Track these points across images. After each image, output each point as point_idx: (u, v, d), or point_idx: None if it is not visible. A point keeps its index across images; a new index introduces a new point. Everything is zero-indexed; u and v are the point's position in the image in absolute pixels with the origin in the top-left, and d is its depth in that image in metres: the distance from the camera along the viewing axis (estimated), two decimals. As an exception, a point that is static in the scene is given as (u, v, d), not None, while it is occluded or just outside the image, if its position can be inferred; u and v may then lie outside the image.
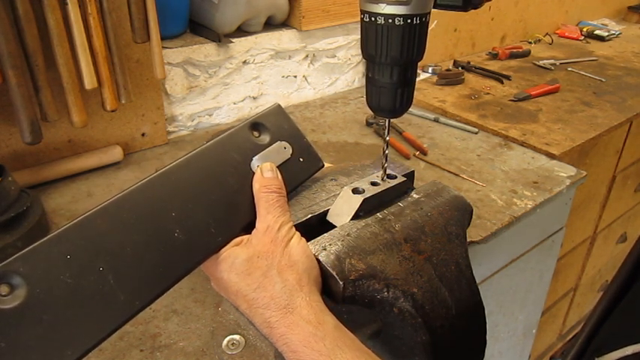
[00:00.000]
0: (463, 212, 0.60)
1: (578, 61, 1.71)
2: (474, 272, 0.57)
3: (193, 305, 0.69)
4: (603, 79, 1.54)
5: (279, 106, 0.61)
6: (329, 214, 0.57)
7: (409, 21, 0.46)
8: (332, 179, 0.63)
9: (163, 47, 1.01)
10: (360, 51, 1.39)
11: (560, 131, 1.19)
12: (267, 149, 0.56)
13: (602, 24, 2.16)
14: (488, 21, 1.73)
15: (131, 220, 0.45)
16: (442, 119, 1.24)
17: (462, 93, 1.42)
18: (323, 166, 0.63)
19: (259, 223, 0.50)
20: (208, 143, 0.53)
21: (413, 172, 0.64)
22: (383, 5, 0.46)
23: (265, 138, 0.57)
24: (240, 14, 1.13)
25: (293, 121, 0.61)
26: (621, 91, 1.47)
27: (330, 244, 0.51)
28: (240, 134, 0.56)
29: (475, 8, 0.52)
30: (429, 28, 0.50)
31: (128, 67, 0.95)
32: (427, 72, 1.54)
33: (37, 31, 0.79)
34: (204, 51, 1.11)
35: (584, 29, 2.01)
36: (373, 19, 0.47)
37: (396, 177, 0.60)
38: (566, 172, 1.03)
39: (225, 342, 0.55)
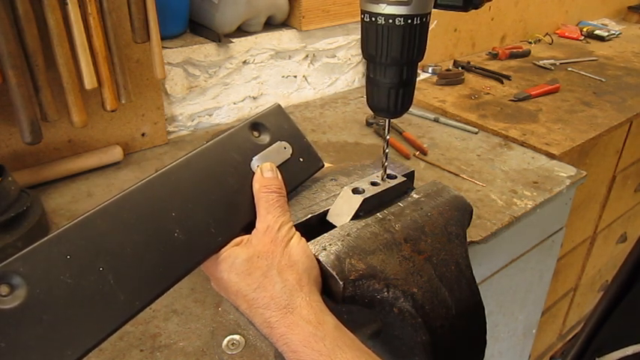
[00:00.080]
0: (463, 212, 0.60)
1: (578, 61, 1.71)
2: (474, 272, 0.57)
3: (193, 305, 0.69)
4: (603, 79, 1.54)
5: (279, 106, 0.61)
6: (329, 214, 0.57)
7: (410, 21, 0.46)
8: (332, 179, 0.63)
9: (163, 47, 1.01)
10: (360, 51, 1.40)
11: (560, 131, 1.19)
12: (267, 149, 0.56)
13: (602, 24, 2.16)
14: (488, 21, 1.73)
15: (131, 220, 0.45)
16: (442, 119, 1.24)
17: (462, 93, 1.42)
18: (323, 166, 0.63)
19: (259, 223, 0.50)
20: (208, 143, 0.53)
21: (413, 172, 0.64)
22: (383, 5, 0.46)
23: (265, 138, 0.57)
24: (240, 14, 1.13)
25: (293, 121, 0.61)
26: (621, 91, 1.47)
27: (330, 244, 0.51)
28: (240, 134, 0.56)
29: (475, 8, 0.52)
30: (429, 28, 0.50)
31: (128, 67, 0.95)
32: (427, 72, 1.54)
33: (37, 31, 0.79)
34: (204, 51, 1.11)
35: (584, 29, 2.01)
36: (374, 19, 0.47)
37: (396, 177, 0.60)
38: (566, 172, 1.03)
39: (225, 342, 0.55)
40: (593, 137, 1.19)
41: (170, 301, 0.69)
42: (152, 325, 0.65)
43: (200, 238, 0.48)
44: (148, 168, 1.02)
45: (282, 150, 0.58)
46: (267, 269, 0.47)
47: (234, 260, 0.48)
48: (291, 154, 0.58)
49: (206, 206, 0.50)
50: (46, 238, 0.42)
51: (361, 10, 0.48)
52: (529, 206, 0.91)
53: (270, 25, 1.24)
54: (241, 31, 1.19)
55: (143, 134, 1.07)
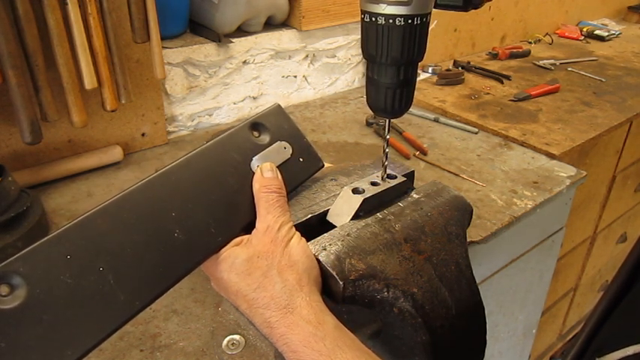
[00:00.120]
0: (463, 212, 0.60)
1: (578, 61, 1.71)
2: (474, 272, 0.57)
3: (193, 305, 0.69)
4: (603, 79, 1.54)
5: (279, 106, 0.61)
6: (329, 214, 0.57)
7: (410, 21, 0.46)
8: (332, 179, 0.63)
9: (163, 47, 1.01)
10: (360, 51, 1.40)
11: (560, 131, 1.19)
12: (267, 149, 0.56)
13: (602, 24, 2.16)
14: (488, 21, 1.73)
15: (131, 220, 0.45)
16: (442, 119, 1.24)
17: (462, 93, 1.42)
18: (323, 166, 0.63)
19: (259, 223, 0.50)
20: (208, 143, 0.53)
21: (413, 172, 0.64)
22: (384, 5, 0.46)
23: (265, 138, 0.57)
24: (240, 14, 1.13)
25: (293, 121, 0.61)
26: (621, 91, 1.47)
27: (330, 244, 0.51)
28: (240, 134, 0.56)
29: (475, 8, 0.52)
30: (429, 28, 0.50)
31: (128, 67, 0.95)
32: (427, 72, 1.54)
33: (37, 31, 0.79)
34: (204, 51, 1.11)
35: (584, 29, 2.01)
36: (374, 19, 0.47)
37: (396, 177, 0.60)
38: (566, 172, 1.03)
39: (225, 342, 0.55)
40: (593, 137, 1.19)
41: (170, 301, 0.69)
42: (152, 325, 0.65)
43: (200, 238, 0.48)
44: (148, 168, 1.02)
45: (282, 150, 0.58)
46: (267, 269, 0.47)
47: (234, 260, 0.48)
48: (291, 154, 0.58)
49: (206, 206, 0.50)
50: (46, 238, 0.42)
51: (361, 10, 0.48)
52: (529, 206, 0.91)
53: (270, 25, 1.24)
54: (241, 31, 1.19)
55: (143, 134, 1.07)
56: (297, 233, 0.51)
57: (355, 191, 0.57)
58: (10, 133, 0.90)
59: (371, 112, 0.57)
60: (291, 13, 1.24)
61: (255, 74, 1.22)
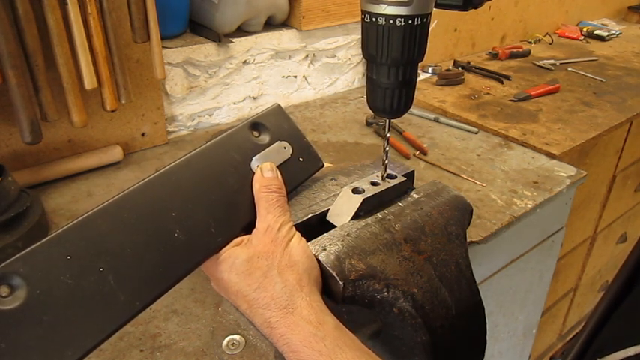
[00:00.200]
0: (463, 212, 0.60)
1: (578, 61, 1.71)
2: (474, 272, 0.57)
3: (193, 305, 0.69)
4: (603, 79, 1.54)
5: (279, 106, 0.61)
6: (329, 214, 0.57)
7: (410, 22, 0.46)
8: (332, 179, 0.63)
9: (163, 47, 1.01)
10: (360, 51, 1.40)
11: (560, 131, 1.19)
12: (267, 149, 0.56)
13: (602, 24, 2.16)
14: (488, 21, 1.73)
15: (131, 221, 0.45)
16: (442, 119, 1.24)
17: (462, 93, 1.42)
18: (323, 166, 0.63)
19: (259, 223, 0.50)
20: (208, 143, 0.53)
21: (413, 172, 0.64)
22: (384, 6, 0.46)
23: (265, 138, 0.57)
24: (240, 14, 1.13)
25: (293, 121, 0.61)
26: (621, 91, 1.47)
27: (330, 244, 0.51)
28: (240, 134, 0.56)
29: (475, 8, 0.52)
30: (429, 29, 0.50)
31: (128, 67, 0.95)
32: (427, 72, 1.54)
33: (37, 31, 0.79)
34: (204, 51, 1.11)
35: (584, 29, 2.01)
36: (374, 19, 0.47)
37: (396, 177, 0.60)
38: (566, 172, 1.03)
39: (225, 342, 0.55)
40: (593, 137, 1.19)
41: (170, 301, 0.69)
42: (152, 325, 0.65)
43: (200, 238, 0.48)
44: (148, 168, 1.02)
45: (282, 150, 0.58)
46: (267, 269, 0.47)
47: (235, 260, 0.48)
48: (291, 154, 0.58)
49: (206, 206, 0.50)
50: (46, 239, 0.42)
51: (362, 11, 0.48)
52: (529, 206, 0.91)
53: (270, 25, 1.24)
54: (241, 31, 1.19)
55: (143, 134, 1.07)
56: (297, 233, 0.51)
57: (355, 191, 0.57)
58: (10, 133, 0.90)
59: (371, 112, 0.57)
60: (291, 13, 1.24)
61: (255, 74, 1.22)
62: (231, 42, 1.15)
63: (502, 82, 1.50)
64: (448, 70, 1.51)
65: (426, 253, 0.54)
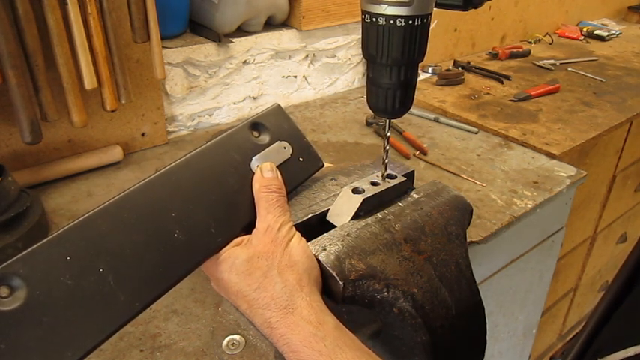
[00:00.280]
0: (463, 212, 0.60)
1: (578, 61, 1.71)
2: (474, 272, 0.57)
3: (193, 305, 0.69)
4: (603, 79, 1.54)
5: (278, 106, 0.61)
6: (329, 214, 0.57)
7: (410, 22, 0.46)
8: (332, 179, 0.63)
9: (163, 47, 1.01)
10: (360, 51, 1.40)
11: (560, 131, 1.19)
12: (267, 149, 0.56)
13: (602, 24, 2.16)
14: (488, 21, 1.73)
15: (131, 221, 0.45)
16: (442, 119, 1.24)
17: (462, 93, 1.42)
18: (323, 166, 0.63)
19: (259, 223, 0.50)
20: (208, 143, 0.53)
21: (413, 172, 0.64)
22: (384, 6, 0.46)
23: (265, 138, 0.57)
24: (240, 14, 1.13)
25: (293, 121, 0.61)
26: (621, 91, 1.47)
27: (330, 244, 0.51)
28: (240, 134, 0.56)
29: (475, 8, 0.52)
30: (430, 29, 0.50)
31: (128, 67, 0.95)
32: (427, 72, 1.54)
33: (37, 31, 0.79)
34: (204, 51, 1.11)
35: (584, 29, 2.01)
36: (374, 19, 0.47)
37: (396, 177, 0.60)
38: (566, 172, 1.03)
39: (225, 342, 0.55)
40: (593, 137, 1.19)
41: (170, 301, 0.69)
42: (152, 325, 0.65)
43: (200, 239, 0.48)
44: (148, 168, 1.02)
45: (282, 150, 0.58)
46: (267, 269, 0.47)
47: (235, 260, 0.48)
48: (291, 154, 0.58)
49: (206, 206, 0.50)
50: (46, 240, 0.42)
51: (362, 11, 0.48)
52: (529, 206, 0.91)
53: (270, 25, 1.24)
54: (241, 31, 1.19)
55: (143, 134, 1.07)
56: (297, 233, 0.51)
57: (355, 191, 0.57)
58: (10, 133, 0.90)
59: (371, 112, 0.57)
60: (291, 13, 1.24)
61: (255, 74, 1.22)
62: (231, 42, 1.15)
63: (502, 82, 1.50)
64: (448, 70, 1.51)
65: (426, 253, 0.54)
